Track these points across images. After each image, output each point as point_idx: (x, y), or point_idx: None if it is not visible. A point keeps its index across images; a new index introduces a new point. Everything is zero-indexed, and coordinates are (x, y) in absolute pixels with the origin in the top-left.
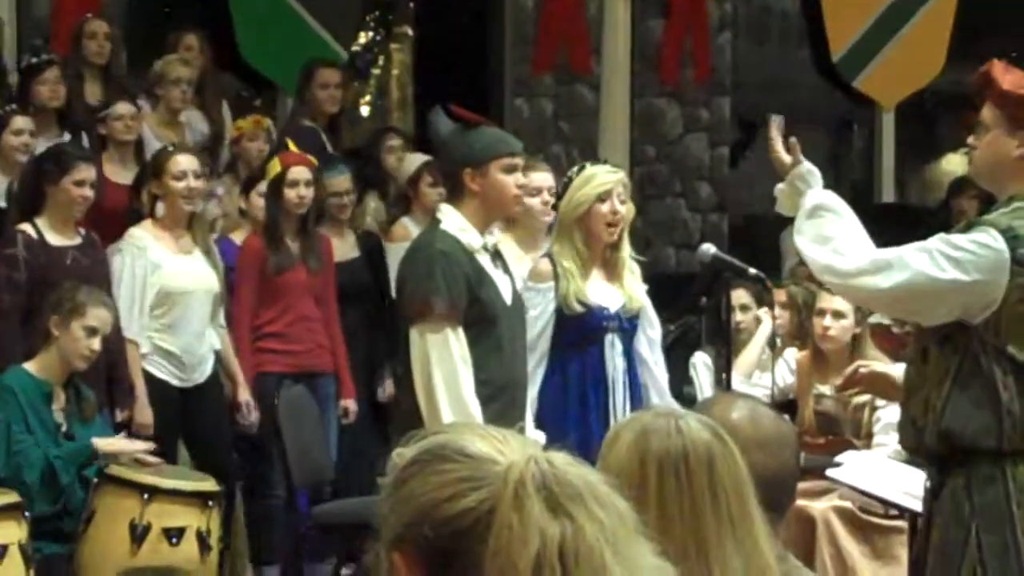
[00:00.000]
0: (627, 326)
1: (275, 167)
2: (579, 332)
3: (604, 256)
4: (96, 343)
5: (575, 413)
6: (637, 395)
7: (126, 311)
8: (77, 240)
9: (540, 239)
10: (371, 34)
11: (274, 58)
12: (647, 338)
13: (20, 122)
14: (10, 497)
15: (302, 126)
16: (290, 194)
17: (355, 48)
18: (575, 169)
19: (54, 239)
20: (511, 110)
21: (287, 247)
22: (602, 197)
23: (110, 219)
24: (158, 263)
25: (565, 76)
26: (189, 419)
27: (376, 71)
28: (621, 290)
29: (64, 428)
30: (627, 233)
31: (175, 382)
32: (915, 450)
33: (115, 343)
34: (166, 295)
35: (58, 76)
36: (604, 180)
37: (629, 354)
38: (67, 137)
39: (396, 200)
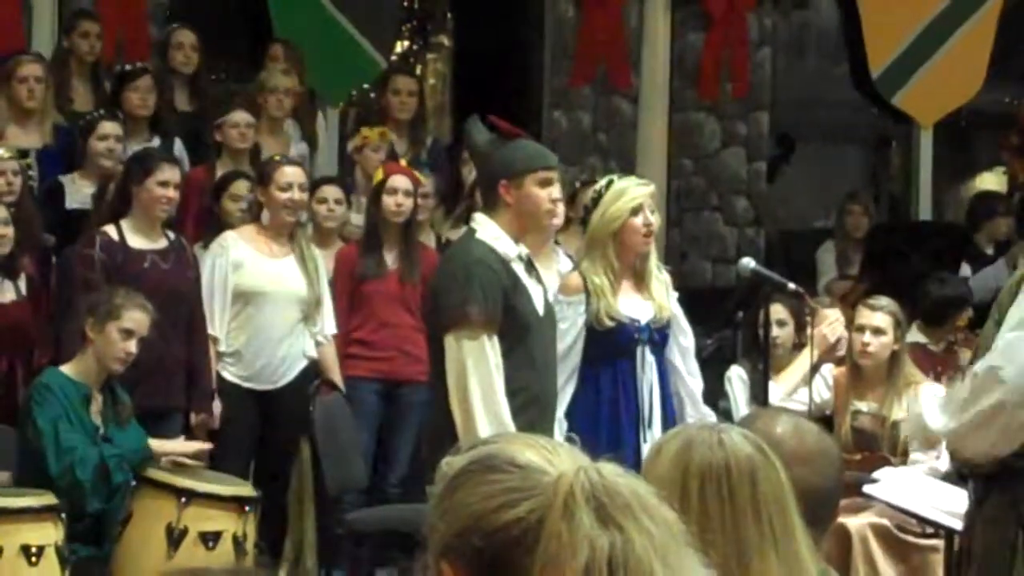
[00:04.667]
0: (657, 338)
1: (378, 175)
2: (610, 346)
3: (634, 267)
4: (132, 345)
5: (607, 427)
6: (669, 408)
7: (207, 309)
8: (161, 244)
9: (546, 246)
10: (407, 44)
11: (316, 66)
12: (679, 347)
13: (107, 127)
14: (47, 499)
15: None
16: (388, 201)
17: (393, 58)
18: (603, 183)
19: (136, 242)
20: (549, 122)
21: (381, 256)
22: (635, 211)
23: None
24: (239, 263)
25: (604, 88)
26: (260, 422)
27: None
28: (651, 301)
29: (101, 431)
30: (653, 243)
31: (245, 384)
32: (964, 464)
33: (198, 345)
34: (240, 295)
35: (150, 85)
36: (636, 194)
37: (660, 367)
38: (156, 142)
39: (461, 211)
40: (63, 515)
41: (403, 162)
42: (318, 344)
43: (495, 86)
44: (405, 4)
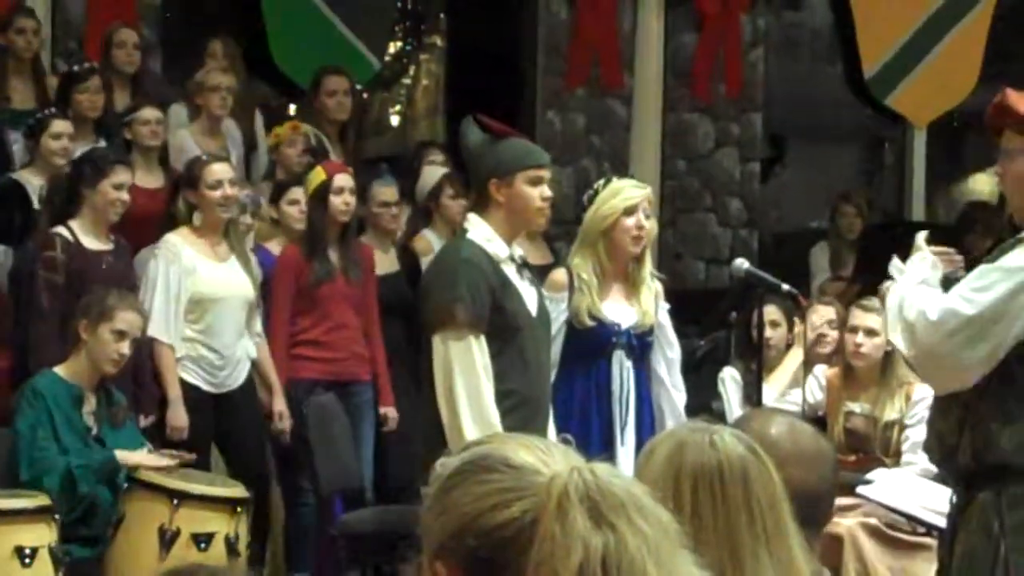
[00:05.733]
0: (636, 343)
1: (319, 175)
2: (587, 346)
3: (626, 271)
4: (125, 347)
5: (576, 427)
6: (646, 413)
7: (160, 316)
8: (110, 245)
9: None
10: (400, 44)
11: (308, 66)
12: (666, 359)
13: (59, 126)
14: (41, 500)
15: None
16: (336, 201)
17: (386, 58)
18: (601, 182)
19: (89, 243)
20: (543, 123)
21: (327, 257)
22: (628, 211)
23: (136, 224)
24: (192, 269)
25: (597, 90)
26: (223, 425)
27: (406, 81)
28: (637, 306)
29: (94, 432)
30: (649, 251)
31: (207, 388)
32: (942, 464)
33: (140, 349)
34: (199, 301)
35: (98, 85)
36: (631, 194)
37: (639, 373)
38: (102, 143)
39: (417, 212)
40: (56, 516)
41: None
42: (256, 343)
43: (488, 87)
44: (398, 5)
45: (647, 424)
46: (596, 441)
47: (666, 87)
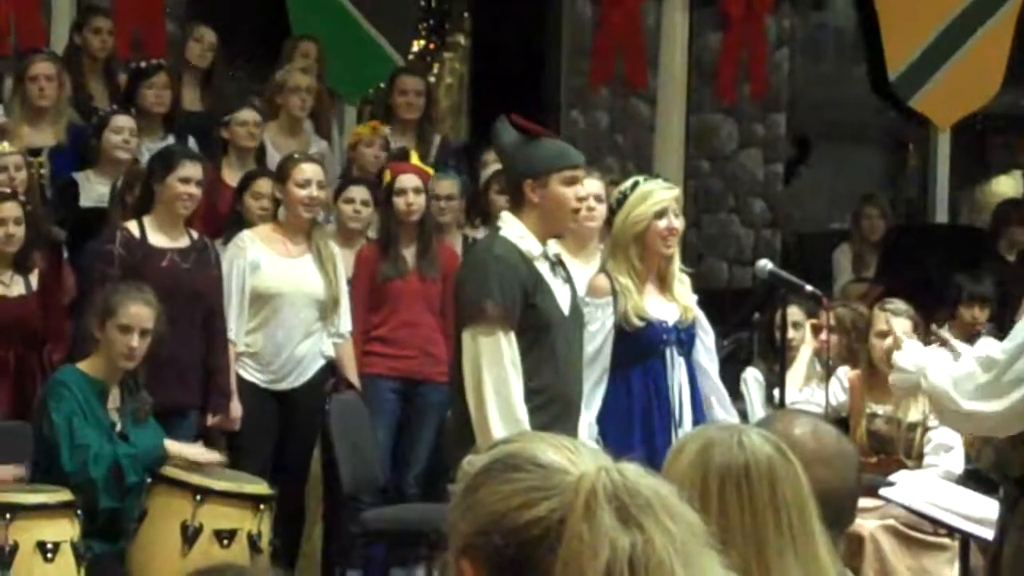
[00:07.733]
0: (684, 338)
1: (386, 177)
2: (640, 346)
3: (659, 269)
4: (134, 340)
5: (640, 427)
6: (699, 407)
7: (230, 311)
8: (183, 242)
9: (588, 244)
10: (424, 42)
11: (332, 64)
12: (703, 345)
13: (121, 121)
14: (63, 495)
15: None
16: (399, 202)
17: (410, 56)
18: (628, 184)
19: (157, 239)
20: (566, 121)
21: (400, 255)
22: (659, 214)
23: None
24: (256, 264)
25: (621, 89)
26: (279, 421)
27: (430, 79)
28: (675, 302)
29: (118, 428)
30: (677, 246)
31: (264, 384)
32: (992, 470)
33: (217, 345)
34: (257, 296)
35: (166, 82)
36: (661, 198)
37: (689, 367)
38: (171, 140)
39: (473, 208)
40: (79, 512)
41: (415, 159)
42: (335, 343)
43: (512, 85)
44: (423, 3)
45: (702, 419)
46: (661, 439)
47: (690, 87)
